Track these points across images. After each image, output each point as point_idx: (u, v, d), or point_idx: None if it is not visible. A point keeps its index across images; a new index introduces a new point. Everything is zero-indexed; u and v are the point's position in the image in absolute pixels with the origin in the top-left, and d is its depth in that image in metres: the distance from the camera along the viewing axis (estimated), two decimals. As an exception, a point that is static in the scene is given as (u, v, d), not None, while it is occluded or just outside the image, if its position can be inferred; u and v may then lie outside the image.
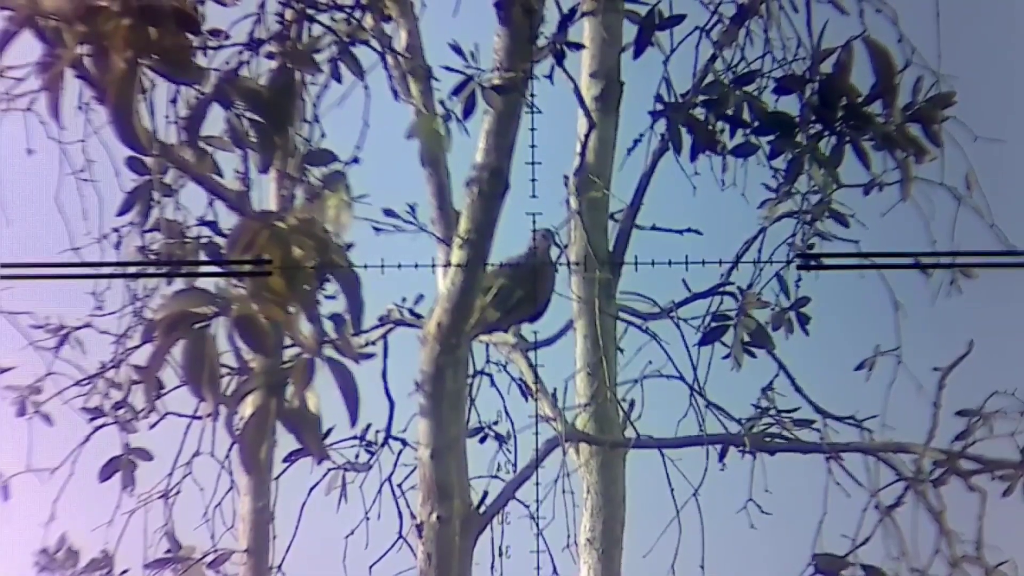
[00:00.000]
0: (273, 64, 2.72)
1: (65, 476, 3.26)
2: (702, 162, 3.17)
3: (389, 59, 3.02)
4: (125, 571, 3.29)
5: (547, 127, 2.97)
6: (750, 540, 3.24)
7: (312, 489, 3.23)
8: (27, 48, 2.47)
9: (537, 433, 3.22)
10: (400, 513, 3.20)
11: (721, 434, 3.29)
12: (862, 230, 3.22)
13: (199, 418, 3.19)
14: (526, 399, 3.29)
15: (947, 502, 3.21)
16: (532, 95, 2.88)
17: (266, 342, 2.39)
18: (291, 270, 2.41)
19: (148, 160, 2.97)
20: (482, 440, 3.34)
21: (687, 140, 3.16)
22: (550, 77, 2.95)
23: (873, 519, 3.20)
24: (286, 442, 2.52)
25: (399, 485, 3.22)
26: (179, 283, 2.97)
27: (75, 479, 3.26)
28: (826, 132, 3.08)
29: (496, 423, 3.33)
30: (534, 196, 3.01)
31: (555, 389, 3.31)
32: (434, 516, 3.06)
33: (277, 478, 3.25)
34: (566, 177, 3.28)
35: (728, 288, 3.31)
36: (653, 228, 3.27)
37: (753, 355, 3.31)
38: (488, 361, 3.29)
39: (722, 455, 3.25)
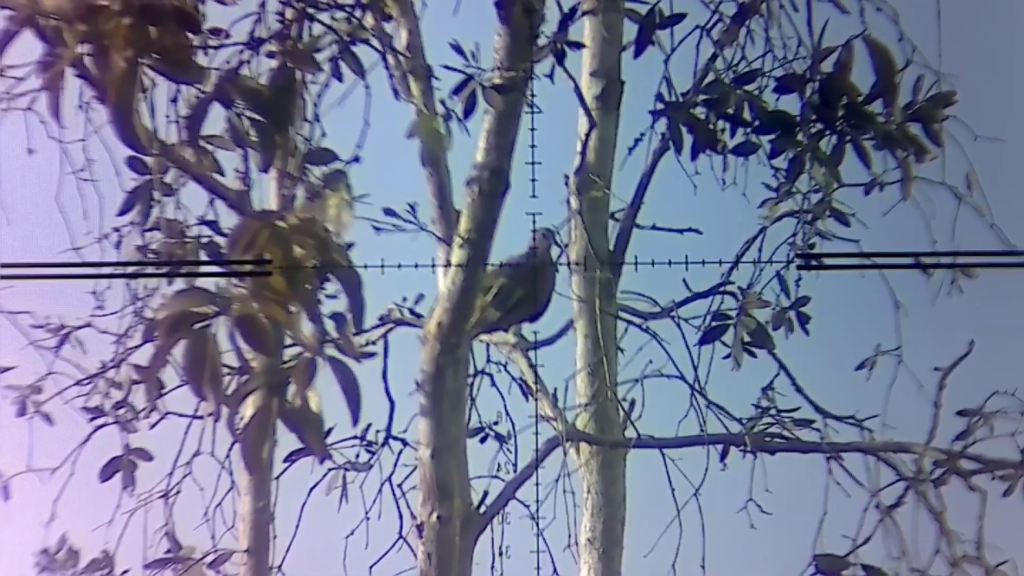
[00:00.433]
0: (274, 63, 2.71)
1: (66, 476, 3.27)
2: (703, 161, 3.17)
3: (390, 58, 3.02)
4: (126, 571, 3.29)
5: (547, 126, 2.98)
6: (751, 540, 3.25)
7: (312, 489, 3.23)
8: (28, 47, 2.47)
9: (537, 433, 3.23)
10: (400, 513, 3.20)
11: (722, 434, 3.29)
12: (863, 229, 3.22)
13: (199, 418, 3.19)
14: (526, 399, 3.28)
15: (947, 502, 3.21)
16: (532, 94, 2.88)
17: (267, 341, 2.39)
18: (292, 270, 2.41)
19: (149, 159, 2.96)
20: (482, 440, 3.34)
21: (688, 139, 3.16)
22: (551, 76, 2.95)
23: (874, 519, 3.20)
24: (286, 442, 2.53)
25: (399, 485, 3.22)
26: (180, 283, 2.96)
27: (76, 479, 3.27)
28: (827, 131, 3.08)
29: (496, 423, 3.33)
30: (534, 196, 3.01)
31: (556, 389, 3.31)
32: (434, 516, 3.06)
33: (277, 478, 3.25)
34: (567, 176, 3.28)
35: (728, 288, 3.31)
36: (654, 228, 3.27)
37: (753, 355, 3.31)
38: (488, 361, 3.30)
39: (723, 455, 3.25)
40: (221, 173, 2.99)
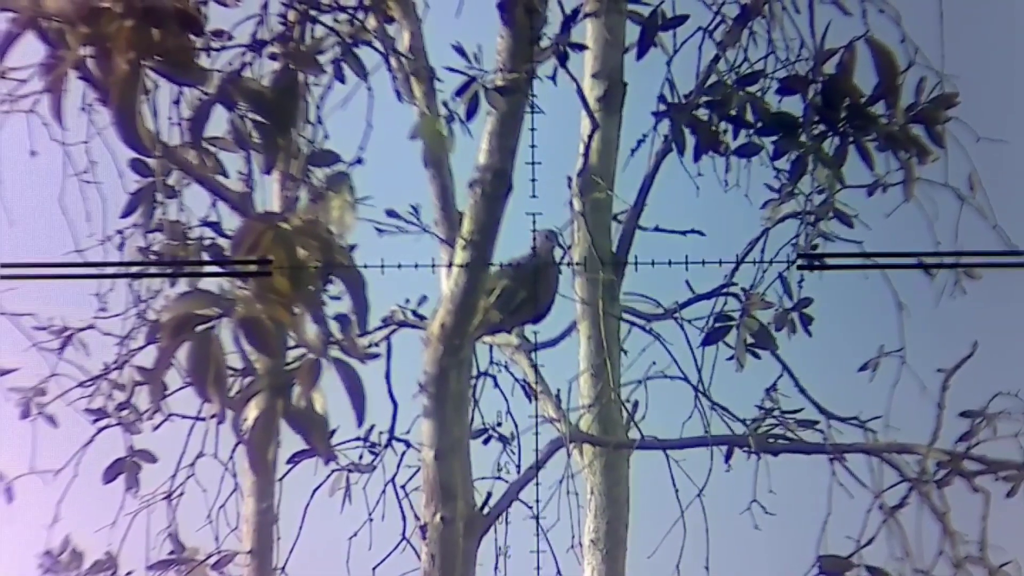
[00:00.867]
0: (276, 65, 2.71)
1: (69, 478, 3.27)
2: (705, 163, 3.17)
3: (392, 60, 3.03)
4: (129, 573, 3.29)
5: (548, 127, 2.97)
6: (754, 541, 3.24)
7: (316, 490, 3.23)
8: (30, 50, 2.47)
9: (537, 434, 3.22)
10: (404, 514, 3.20)
11: (725, 435, 3.28)
12: (865, 231, 3.22)
13: (203, 419, 3.19)
14: (530, 400, 3.28)
15: (951, 503, 3.21)
16: (533, 95, 2.88)
17: (271, 343, 2.39)
18: (294, 270, 2.41)
19: (151, 161, 2.97)
20: (485, 441, 3.34)
21: (690, 141, 3.16)
22: (553, 78, 2.95)
23: (877, 520, 3.20)
24: (289, 443, 2.53)
25: (403, 486, 3.22)
26: (183, 285, 2.96)
27: (79, 481, 3.27)
28: (829, 132, 3.09)
29: (500, 424, 3.32)
30: (534, 196, 3.01)
31: (559, 390, 3.31)
32: (438, 517, 3.06)
33: (281, 479, 3.24)
34: (569, 178, 3.28)
35: (731, 289, 3.31)
36: (656, 229, 3.26)
37: (757, 356, 3.31)
38: (491, 362, 3.29)
39: (728, 456, 3.25)
40: (224, 175, 3.00)
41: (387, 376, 3.18)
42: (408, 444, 3.22)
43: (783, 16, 3.12)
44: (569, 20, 2.92)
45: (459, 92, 2.96)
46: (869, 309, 3.22)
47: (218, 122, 2.69)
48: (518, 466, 3.26)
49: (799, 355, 3.33)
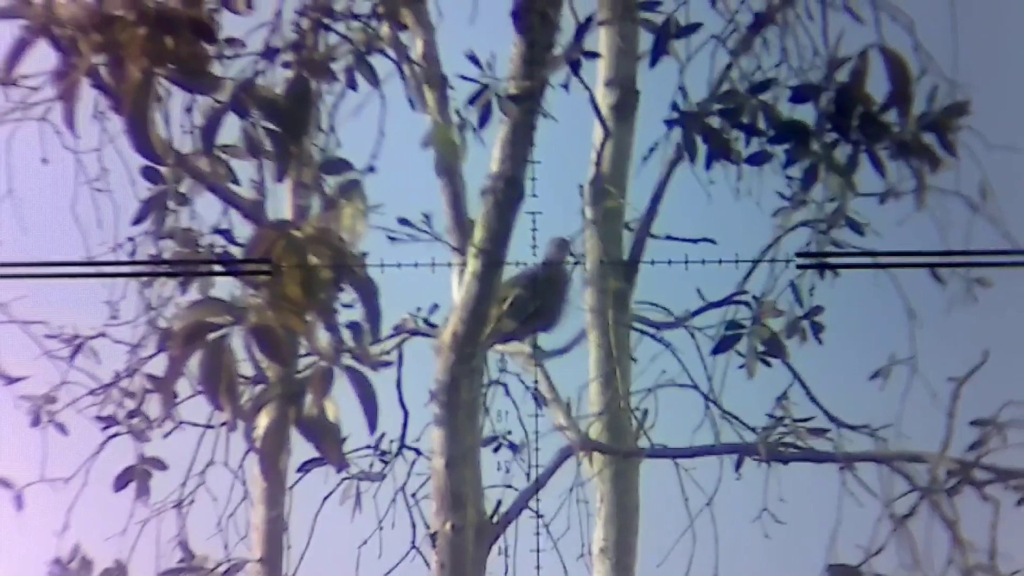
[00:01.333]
0: (289, 73, 2.72)
1: (79, 485, 3.26)
2: (717, 171, 3.17)
3: (405, 68, 3.02)
4: (139, 581, 3.29)
5: (554, 131, 2.98)
6: (764, 549, 3.24)
7: (326, 499, 3.23)
8: (43, 57, 2.47)
9: (538, 442, 3.22)
10: (414, 523, 3.20)
11: (735, 443, 3.28)
12: (877, 239, 3.21)
13: (213, 427, 3.19)
14: (540, 408, 3.28)
15: (961, 512, 3.20)
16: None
17: (283, 351, 2.40)
18: (306, 280, 2.41)
19: (163, 169, 2.97)
20: (496, 450, 3.34)
21: (702, 148, 3.16)
22: (566, 86, 2.95)
23: (887, 528, 3.19)
24: (300, 451, 2.52)
25: (413, 495, 3.22)
26: (194, 293, 2.96)
27: (89, 488, 3.26)
28: (841, 140, 3.08)
29: (510, 432, 3.32)
30: (534, 196, 3.01)
31: (569, 398, 3.30)
32: (448, 525, 3.06)
33: (291, 488, 3.24)
34: (581, 187, 3.28)
35: (742, 297, 3.30)
36: (668, 238, 3.26)
37: (768, 364, 3.31)
38: (503, 371, 3.29)
39: (738, 464, 3.24)
40: (236, 183, 2.99)
41: (398, 384, 3.18)
42: (419, 452, 3.22)
43: (796, 24, 3.12)
44: (582, 28, 2.92)
45: (472, 100, 2.97)
46: (880, 317, 3.21)
47: (230, 130, 2.70)
48: (528, 474, 3.26)
49: (810, 363, 3.32)
